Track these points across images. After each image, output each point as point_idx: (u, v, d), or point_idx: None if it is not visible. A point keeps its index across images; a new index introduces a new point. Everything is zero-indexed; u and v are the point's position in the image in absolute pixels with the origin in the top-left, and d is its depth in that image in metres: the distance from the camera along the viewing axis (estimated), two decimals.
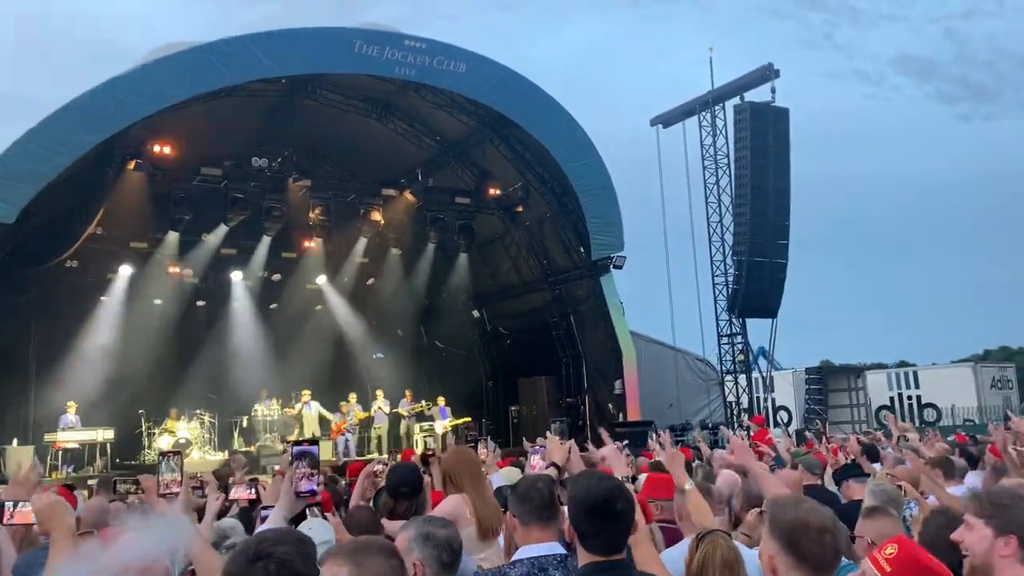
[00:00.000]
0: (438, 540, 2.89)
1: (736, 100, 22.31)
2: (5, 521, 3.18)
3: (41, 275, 16.75)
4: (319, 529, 3.58)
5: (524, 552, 2.93)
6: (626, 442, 9.37)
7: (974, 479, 6.09)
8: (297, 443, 2.82)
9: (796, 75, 23.11)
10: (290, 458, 2.98)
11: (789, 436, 11.09)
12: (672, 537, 3.99)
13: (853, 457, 7.48)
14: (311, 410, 18.15)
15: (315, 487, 2.73)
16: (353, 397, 18.79)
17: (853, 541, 3.54)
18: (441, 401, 19.21)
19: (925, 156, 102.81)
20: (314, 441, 2.95)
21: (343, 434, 18.09)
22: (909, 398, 26.49)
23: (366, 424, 18.82)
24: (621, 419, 18.31)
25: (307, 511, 3.74)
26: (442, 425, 18.50)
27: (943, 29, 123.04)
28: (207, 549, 3.01)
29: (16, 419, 16.87)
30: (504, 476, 5.49)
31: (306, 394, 18.32)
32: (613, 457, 4.25)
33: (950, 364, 31.38)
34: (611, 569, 2.50)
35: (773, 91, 21.79)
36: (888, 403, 26.02)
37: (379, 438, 18.52)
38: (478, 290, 22.41)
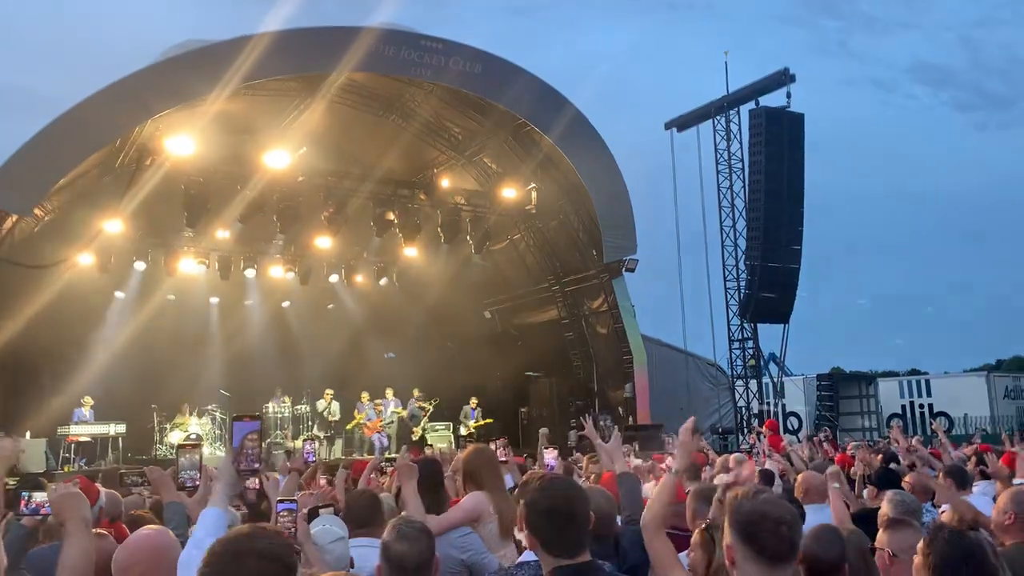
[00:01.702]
0: (391, 554, 2.92)
1: (751, 105, 22.23)
2: (21, 511, 3.20)
3: (56, 269, 16.84)
4: (331, 525, 3.60)
5: (531, 555, 2.95)
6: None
7: (985, 487, 6.05)
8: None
9: (811, 82, 23.07)
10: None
11: (813, 443, 10.90)
12: (681, 545, 3.98)
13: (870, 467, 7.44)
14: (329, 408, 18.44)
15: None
16: (390, 392, 18.92)
17: (873, 552, 3.52)
18: (473, 402, 19.30)
19: (940, 164, 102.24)
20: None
21: (379, 432, 18.18)
22: (921, 407, 26.34)
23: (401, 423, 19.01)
24: (631, 422, 18.29)
25: (320, 509, 3.77)
26: (468, 426, 18.57)
27: (958, 37, 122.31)
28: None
29: (30, 412, 16.97)
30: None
31: (328, 393, 18.53)
32: (613, 451, 4.23)
33: (963, 373, 31.21)
34: (580, 571, 2.47)
35: (788, 96, 21.69)
36: (900, 411, 25.88)
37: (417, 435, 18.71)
38: (489, 291, 22.43)
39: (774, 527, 2.24)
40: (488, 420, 18.97)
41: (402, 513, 3.88)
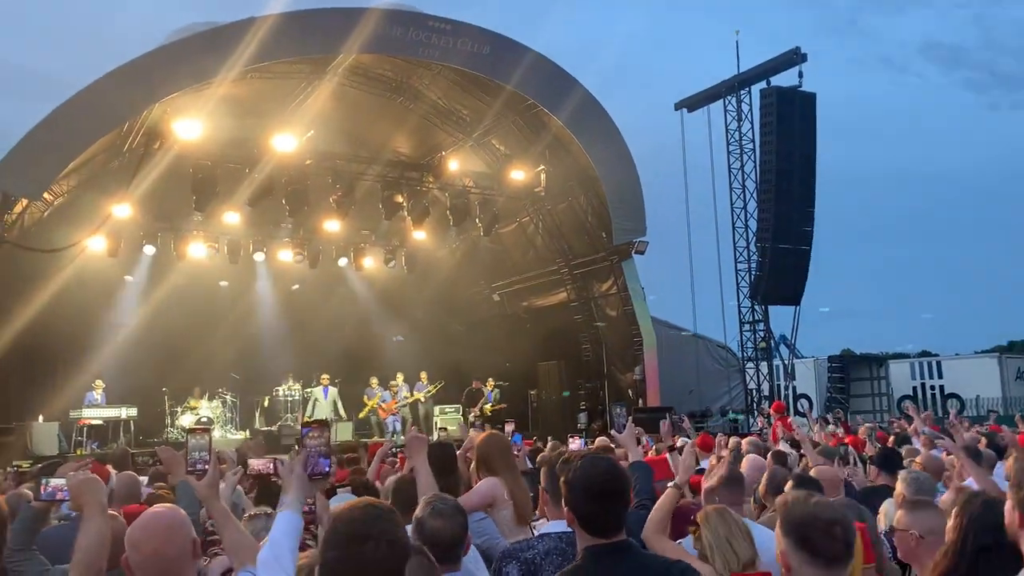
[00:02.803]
0: (425, 530, 2.95)
1: (762, 84, 22.04)
2: (42, 496, 3.23)
3: (67, 254, 16.88)
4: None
5: (551, 527, 2.97)
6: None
7: (1001, 469, 6.00)
8: (307, 424, 2.80)
9: (821, 61, 22.73)
10: (301, 439, 2.98)
11: (827, 424, 10.77)
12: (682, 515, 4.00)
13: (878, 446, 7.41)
14: (327, 395, 18.29)
15: (328, 465, 2.72)
16: (400, 377, 18.93)
17: (892, 532, 3.49)
18: (490, 383, 19.29)
19: (952, 144, 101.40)
20: (325, 422, 2.90)
21: (394, 415, 18.24)
22: (932, 388, 26.26)
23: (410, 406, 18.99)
24: (640, 404, 18.28)
25: (337, 490, 3.76)
26: (485, 409, 18.60)
27: (971, 15, 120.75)
28: (230, 520, 3.03)
29: (42, 396, 17.07)
30: None
31: (325, 378, 18.46)
32: (627, 441, 4.30)
33: (974, 355, 31.08)
34: (614, 551, 2.47)
35: (800, 75, 21.48)
36: (911, 393, 25.79)
37: (425, 419, 18.71)
38: (498, 274, 22.40)
39: (827, 528, 2.24)
40: (502, 405, 18.97)
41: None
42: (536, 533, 3.13)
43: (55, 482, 3.13)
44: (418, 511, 3.09)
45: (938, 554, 2.92)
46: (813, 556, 2.22)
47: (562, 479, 2.68)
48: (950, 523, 2.89)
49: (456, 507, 3.11)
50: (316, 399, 18.20)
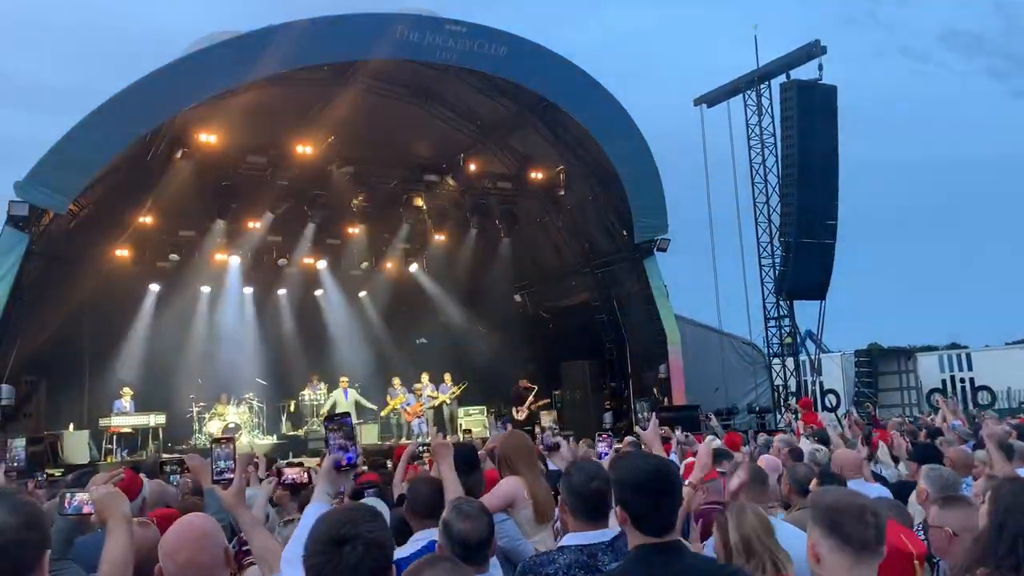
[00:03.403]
0: (453, 532, 2.95)
1: (782, 78, 21.85)
2: (64, 511, 3.26)
3: (93, 264, 17.11)
4: (374, 504, 3.59)
5: (572, 539, 2.93)
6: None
7: None
8: (328, 417, 2.83)
9: (840, 53, 22.45)
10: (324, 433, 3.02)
11: (857, 420, 10.63)
12: (710, 521, 3.99)
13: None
14: (347, 397, 18.41)
15: (354, 456, 2.75)
16: (425, 377, 19.03)
17: (925, 530, 3.45)
18: (524, 382, 19.34)
19: (975, 134, 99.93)
20: (346, 413, 2.93)
21: (419, 417, 18.32)
22: (962, 381, 25.90)
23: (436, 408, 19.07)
24: (666, 403, 18.19)
25: (364, 493, 3.77)
26: (523, 409, 18.65)
27: (992, 2, 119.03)
28: (258, 528, 3.06)
29: (72, 405, 17.32)
30: None
31: (343, 380, 18.59)
32: (651, 439, 4.30)
33: (1005, 346, 30.59)
34: (665, 551, 2.42)
35: (820, 68, 21.27)
36: (940, 386, 25.46)
37: (451, 421, 18.77)
38: (520, 274, 22.40)
39: (859, 513, 2.23)
40: (546, 400, 18.99)
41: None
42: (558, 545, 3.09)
43: (80, 496, 3.16)
44: (445, 514, 3.10)
45: (972, 541, 2.87)
46: (844, 542, 2.19)
47: (613, 476, 2.65)
48: (984, 509, 2.85)
49: (481, 508, 3.13)
50: (336, 402, 18.34)
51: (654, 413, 4.74)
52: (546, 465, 6.22)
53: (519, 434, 4.91)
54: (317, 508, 2.55)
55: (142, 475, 4.81)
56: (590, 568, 2.83)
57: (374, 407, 18.66)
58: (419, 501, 3.78)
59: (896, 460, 6.55)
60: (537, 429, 13.83)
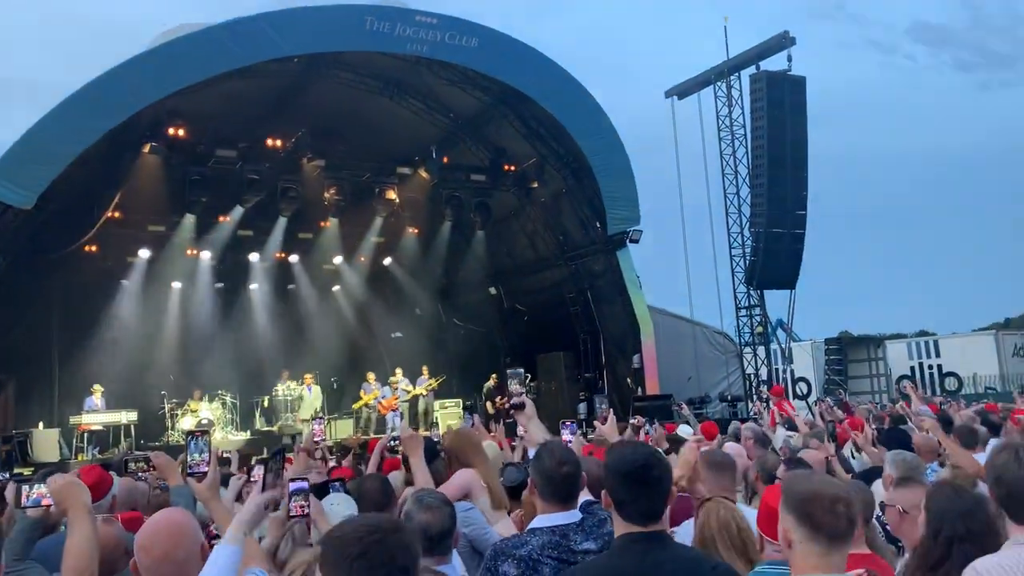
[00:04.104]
0: (414, 523, 2.96)
1: (752, 69, 22.01)
2: (23, 503, 3.22)
3: (61, 260, 16.87)
4: (342, 504, 3.61)
5: (542, 521, 2.95)
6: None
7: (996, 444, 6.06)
8: (270, 457, 2.98)
9: (808, 46, 22.66)
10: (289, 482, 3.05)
11: (828, 407, 10.70)
12: (683, 507, 4.06)
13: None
14: (311, 393, 18.38)
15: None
16: (399, 371, 18.96)
17: (883, 509, 3.54)
18: (494, 378, 19.40)
19: (943, 125, 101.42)
20: (280, 449, 3.07)
21: (394, 410, 18.29)
22: (930, 367, 26.34)
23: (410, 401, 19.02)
24: (640, 393, 18.32)
25: (330, 487, 3.78)
26: (497, 402, 18.67)
27: None
28: (231, 519, 3.06)
29: (42, 403, 17.09)
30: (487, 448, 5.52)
31: (308, 377, 18.54)
32: (608, 432, 4.48)
33: (971, 332, 31.16)
34: (649, 539, 2.42)
35: (789, 59, 21.47)
36: (908, 373, 25.86)
37: (425, 414, 18.73)
38: (495, 267, 22.41)
39: (830, 505, 2.21)
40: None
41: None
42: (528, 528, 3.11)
43: (38, 488, 3.12)
44: (407, 505, 3.12)
45: (911, 550, 2.94)
46: (815, 532, 2.19)
47: (603, 463, 2.66)
48: (920, 516, 2.88)
49: (443, 500, 3.15)
50: (302, 397, 18.31)
51: (610, 409, 4.86)
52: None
53: (463, 430, 5.02)
54: (228, 552, 2.43)
55: (112, 472, 4.77)
56: (563, 548, 2.85)
57: (378, 393, 18.58)
58: (367, 499, 3.80)
59: (859, 449, 6.66)
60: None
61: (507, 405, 4.39)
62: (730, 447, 5.29)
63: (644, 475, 2.48)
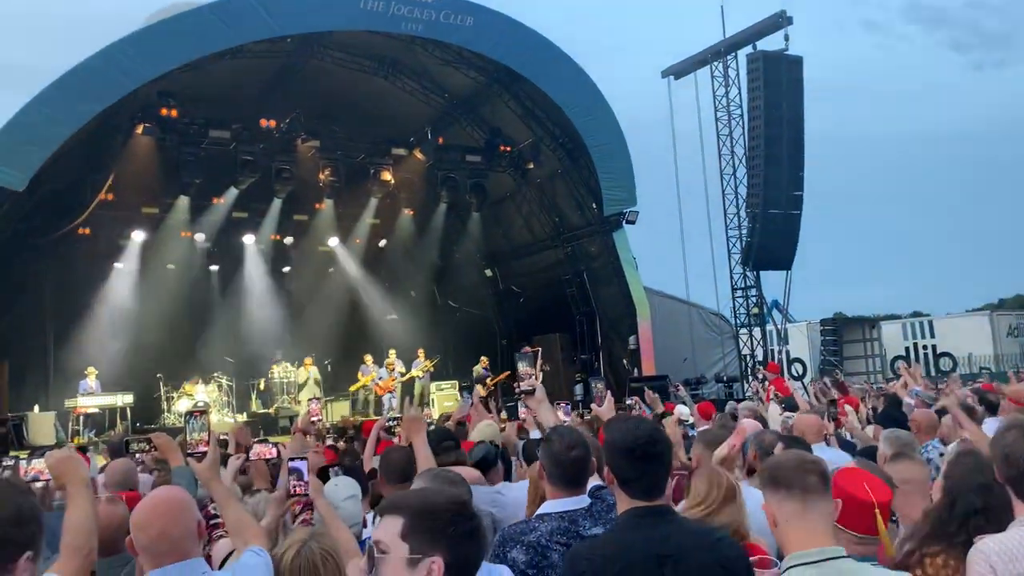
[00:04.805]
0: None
1: (749, 49, 21.89)
2: (23, 480, 3.21)
3: (55, 243, 16.78)
4: (344, 485, 3.60)
5: (551, 506, 2.93)
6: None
7: (993, 425, 6.06)
8: (292, 458, 3.09)
9: (803, 25, 22.50)
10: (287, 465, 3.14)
11: (823, 387, 10.75)
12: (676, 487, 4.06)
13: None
14: (310, 375, 18.52)
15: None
16: (393, 353, 18.95)
17: None
18: (484, 361, 19.36)
19: (937, 105, 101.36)
20: (304, 457, 3.13)
21: (390, 392, 18.30)
22: (925, 348, 26.47)
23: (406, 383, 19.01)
24: (636, 374, 18.35)
25: (330, 471, 3.78)
26: (487, 384, 18.65)
27: None
28: (232, 501, 3.05)
29: (37, 386, 17.05)
30: (480, 431, 5.48)
31: (307, 360, 18.67)
32: (605, 415, 4.47)
33: (965, 313, 31.29)
34: (654, 514, 2.43)
35: (787, 38, 21.32)
36: (903, 353, 25.98)
37: (421, 396, 18.73)
38: (491, 249, 22.37)
39: (798, 464, 2.31)
40: (507, 373, 18.97)
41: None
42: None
43: (35, 463, 3.11)
44: (425, 481, 3.13)
45: (923, 513, 2.95)
46: (788, 491, 2.26)
47: (605, 438, 2.66)
48: (938, 481, 2.90)
49: (461, 477, 3.19)
50: (301, 379, 18.51)
51: (608, 391, 4.83)
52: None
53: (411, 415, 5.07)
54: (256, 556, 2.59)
55: (89, 453, 4.76)
56: (571, 534, 2.84)
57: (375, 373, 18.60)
58: (392, 468, 3.80)
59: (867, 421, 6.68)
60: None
61: (517, 390, 4.36)
62: (747, 424, 5.27)
63: (648, 450, 2.47)
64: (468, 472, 4.10)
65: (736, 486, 3.23)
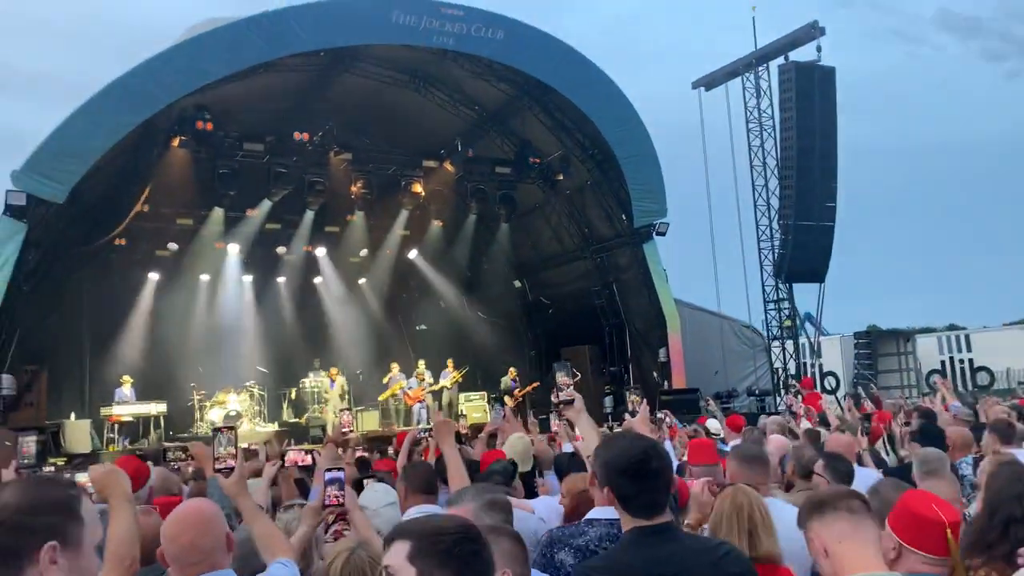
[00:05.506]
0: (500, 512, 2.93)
1: (780, 60, 21.74)
2: None
3: (92, 254, 17.10)
4: (380, 492, 3.62)
5: (600, 512, 2.93)
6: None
7: None
8: (329, 469, 3.14)
9: (834, 36, 22.24)
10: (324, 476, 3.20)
11: (847, 402, 10.62)
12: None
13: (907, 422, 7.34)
14: (334, 387, 18.52)
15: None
16: (422, 364, 19.02)
17: None
18: (512, 372, 19.41)
19: (972, 116, 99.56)
20: (341, 468, 3.17)
21: (420, 401, 18.37)
22: (961, 362, 25.97)
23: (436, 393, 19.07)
24: (666, 387, 18.23)
25: (364, 481, 3.81)
26: (515, 395, 18.69)
27: None
28: (260, 515, 3.07)
29: (73, 394, 17.32)
30: (512, 444, 5.46)
31: (333, 371, 18.75)
32: (639, 426, 4.36)
33: (1003, 326, 30.64)
34: (656, 532, 2.42)
35: (819, 49, 21.14)
36: (939, 367, 25.51)
37: (449, 406, 18.78)
38: (520, 260, 22.39)
39: (840, 491, 2.42)
40: (535, 384, 18.97)
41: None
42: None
43: (79, 477, 3.17)
44: (477, 507, 3.12)
45: (965, 524, 2.91)
46: (834, 512, 2.27)
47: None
48: (980, 494, 2.89)
49: (506, 499, 3.16)
50: (329, 390, 18.56)
51: (644, 400, 4.75)
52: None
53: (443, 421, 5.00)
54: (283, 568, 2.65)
55: (148, 463, 4.82)
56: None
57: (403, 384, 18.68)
58: (416, 478, 3.81)
59: (893, 447, 6.59)
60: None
61: (556, 401, 4.31)
62: (774, 440, 5.22)
63: (643, 468, 2.46)
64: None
65: (760, 510, 3.13)
